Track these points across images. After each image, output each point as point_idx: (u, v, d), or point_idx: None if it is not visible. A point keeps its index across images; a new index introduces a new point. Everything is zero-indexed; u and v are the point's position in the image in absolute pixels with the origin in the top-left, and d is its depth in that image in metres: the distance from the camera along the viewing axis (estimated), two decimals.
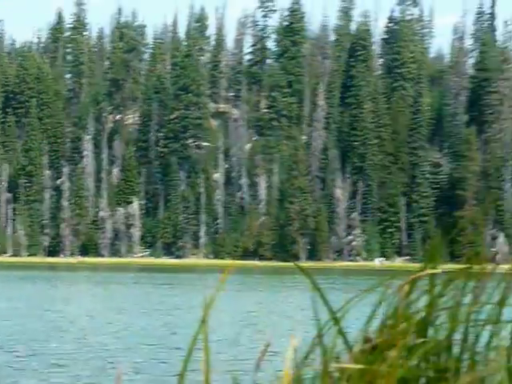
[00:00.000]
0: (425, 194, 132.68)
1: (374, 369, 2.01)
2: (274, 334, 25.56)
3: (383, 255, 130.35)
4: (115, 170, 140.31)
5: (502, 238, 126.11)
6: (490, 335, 2.11)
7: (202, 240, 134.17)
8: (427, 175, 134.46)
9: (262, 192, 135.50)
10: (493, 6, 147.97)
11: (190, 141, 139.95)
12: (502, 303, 2.08)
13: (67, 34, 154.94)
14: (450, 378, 2.10)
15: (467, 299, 2.12)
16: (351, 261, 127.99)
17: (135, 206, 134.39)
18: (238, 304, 42.89)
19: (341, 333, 2.09)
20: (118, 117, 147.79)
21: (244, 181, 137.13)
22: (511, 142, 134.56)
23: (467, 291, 2.10)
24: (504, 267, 2.10)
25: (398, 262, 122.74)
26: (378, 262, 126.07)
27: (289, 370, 2.05)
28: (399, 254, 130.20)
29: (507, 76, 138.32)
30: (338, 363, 2.07)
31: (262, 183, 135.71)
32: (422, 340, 2.11)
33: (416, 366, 2.09)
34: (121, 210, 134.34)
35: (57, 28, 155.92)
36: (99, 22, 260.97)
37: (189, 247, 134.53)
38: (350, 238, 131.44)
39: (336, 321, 2.07)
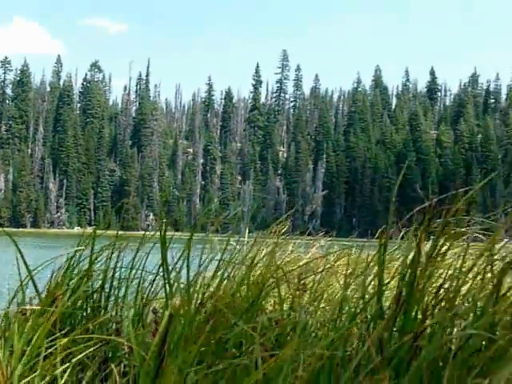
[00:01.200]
0: (105, 189, 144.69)
1: (48, 309, 2.49)
2: None
3: (80, 225, 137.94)
4: None
5: (151, 216, 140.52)
6: (125, 287, 2.86)
7: None
8: (107, 177, 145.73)
9: (1, 184, 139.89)
10: (147, 75, 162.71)
11: None
12: (162, 264, 2.71)
13: None
14: (94, 315, 2.80)
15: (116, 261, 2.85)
16: (59, 229, 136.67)
17: None
18: None
19: (33, 283, 2.65)
20: None
21: None
22: (158, 158, 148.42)
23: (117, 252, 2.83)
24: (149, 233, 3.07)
25: (89, 230, 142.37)
26: (76, 230, 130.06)
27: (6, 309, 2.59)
28: (90, 224, 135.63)
29: (156, 118, 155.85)
30: (30, 305, 2.62)
31: (2, 179, 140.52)
32: (85, 289, 2.74)
33: (80, 307, 2.77)
34: None
35: None
36: None
37: None
38: (59, 214, 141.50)
39: (30, 274, 2.59)
